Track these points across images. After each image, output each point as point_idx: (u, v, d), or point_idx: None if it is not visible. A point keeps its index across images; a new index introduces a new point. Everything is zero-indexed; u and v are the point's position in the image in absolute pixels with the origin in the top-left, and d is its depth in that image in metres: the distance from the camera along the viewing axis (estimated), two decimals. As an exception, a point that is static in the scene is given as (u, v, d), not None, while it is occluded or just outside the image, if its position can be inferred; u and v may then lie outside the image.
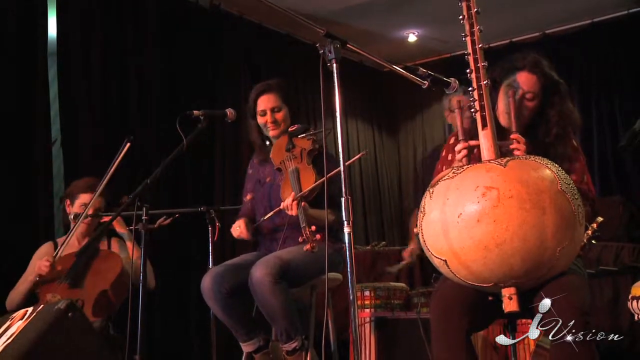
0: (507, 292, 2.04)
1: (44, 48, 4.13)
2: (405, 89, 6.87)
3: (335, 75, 2.06)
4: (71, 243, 3.41)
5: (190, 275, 4.65)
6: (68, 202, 3.46)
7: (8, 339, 2.20)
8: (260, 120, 3.16)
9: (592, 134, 6.05)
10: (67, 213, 3.47)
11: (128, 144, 3.22)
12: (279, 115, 3.13)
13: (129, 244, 3.40)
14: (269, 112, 3.13)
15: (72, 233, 3.27)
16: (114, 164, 3.22)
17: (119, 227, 3.39)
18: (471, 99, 2.21)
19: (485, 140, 2.18)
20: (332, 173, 2.62)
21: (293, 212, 2.77)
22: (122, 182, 4.31)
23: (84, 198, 3.39)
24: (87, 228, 3.45)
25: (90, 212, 3.33)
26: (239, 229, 3.04)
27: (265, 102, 3.14)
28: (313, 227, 2.65)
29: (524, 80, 2.40)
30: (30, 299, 3.22)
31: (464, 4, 2.25)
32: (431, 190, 2.10)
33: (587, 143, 5.88)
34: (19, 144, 3.92)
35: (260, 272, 2.70)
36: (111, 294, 3.16)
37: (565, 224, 1.95)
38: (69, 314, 2.19)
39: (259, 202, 3.17)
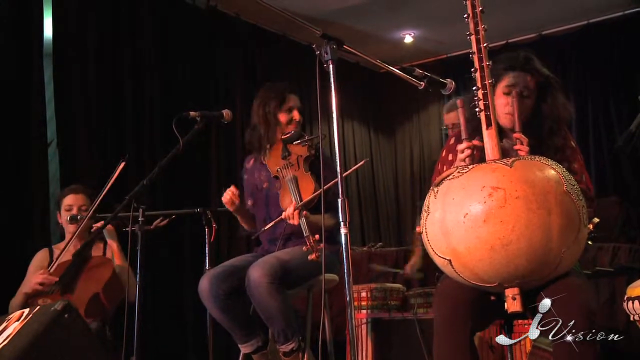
0: (510, 292, 2.02)
1: (40, 49, 4.12)
2: (402, 90, 6.88)
3: (331, 76, 2.05)
4: (67, 249, 3.39)
5: (186, 276, 4.64)
6: (58, 213, 3.44)
7: (4, 340, 2.19)
8: (284, 114, 3.15)
9: (588, 135, 6.06)
10: (59, 224, 3.44)
11: (123, 163, 3.16)
12: (300, 117, 3.18)
13: (111, 242, 3.36)
14: (296, 110, 3.16)
15: (71, 241, 3.24)
16: (109, 183, 3.17)
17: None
18: (475, 98, 2.21)
19: (489, 140, 2.17)
20: (330, 184, 2.63)
21: (295, 221, 2.75)
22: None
23: (67, 200, 3.37)
24: (79, 230, 3.40)
25: (74, 211, 3.32)
26: (230, 193, 3.03)
27: (294, 100, 3.18)
28: (317, 236, 2.62)
29: (519, 79, 2.41)
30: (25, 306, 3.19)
31: (468, 3, 2.24)
32: (435, 189, 2.09)
33: (584, 144, 5.90)
34: (14, 145, 3.90)
35: (258, 273, 2.69)
36: (103, 297, 3.14)
37: (570, 225, 1.95)
38: (65, 315, 2.18)
39: (257, 209, 3.17)
